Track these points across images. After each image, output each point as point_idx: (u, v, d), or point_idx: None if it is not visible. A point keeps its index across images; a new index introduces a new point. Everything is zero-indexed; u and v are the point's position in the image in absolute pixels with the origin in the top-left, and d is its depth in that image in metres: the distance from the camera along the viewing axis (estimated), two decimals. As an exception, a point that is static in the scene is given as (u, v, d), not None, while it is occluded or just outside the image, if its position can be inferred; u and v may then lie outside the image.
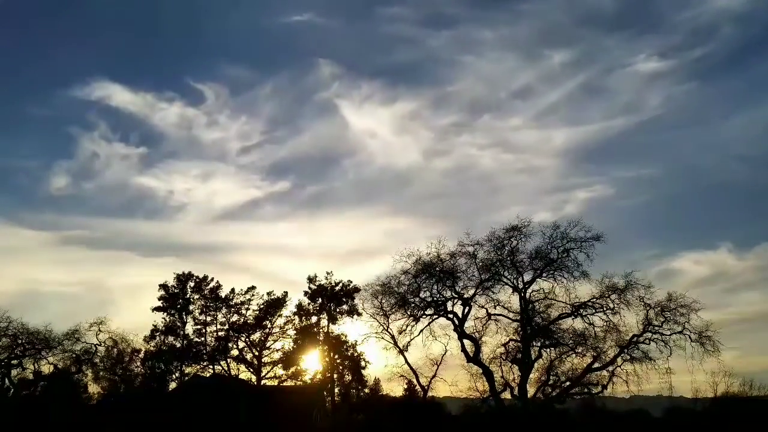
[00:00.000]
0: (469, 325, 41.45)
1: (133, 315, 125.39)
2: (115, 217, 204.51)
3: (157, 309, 65.19)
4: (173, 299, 65.44)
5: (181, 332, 64.77)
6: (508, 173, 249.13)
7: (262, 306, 64.82)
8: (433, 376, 44.21)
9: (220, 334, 64.43)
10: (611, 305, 38.71)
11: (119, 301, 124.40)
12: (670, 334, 37.56)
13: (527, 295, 40.74)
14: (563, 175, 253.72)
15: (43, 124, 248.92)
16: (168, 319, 65.02)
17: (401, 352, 43.58)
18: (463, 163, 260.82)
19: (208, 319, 65.34)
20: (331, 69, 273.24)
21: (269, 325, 64.67)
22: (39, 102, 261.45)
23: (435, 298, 42.56)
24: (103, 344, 56.04)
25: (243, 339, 64.22)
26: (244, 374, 63.39)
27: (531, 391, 39.53)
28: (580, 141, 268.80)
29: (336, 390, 64.93)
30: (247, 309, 64.95)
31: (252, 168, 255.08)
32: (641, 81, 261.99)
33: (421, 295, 42.67)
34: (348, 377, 65.04)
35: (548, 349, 39.88)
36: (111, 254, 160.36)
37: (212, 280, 66.44)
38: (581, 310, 39.34)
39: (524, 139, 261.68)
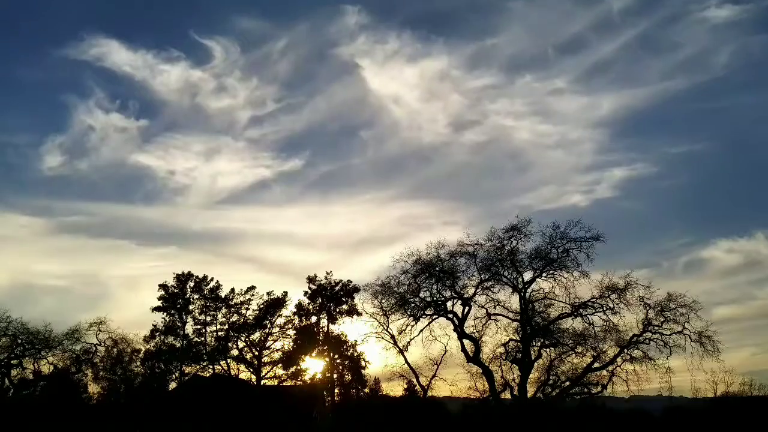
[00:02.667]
0: (469, 325, 41.53)
1: (131, 309, 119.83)
2: (112, 202, 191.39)
3: (156, 309, 65.33)
4: (173, 299, 65.51)
5: (181, 332, 64.85)
6: (542, 148, 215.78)
7: (261, 306, 64.91)
8: (433, 376, 44.20)
9: (219, 334, 64.52)
10: (611, 305, 38.78)
11: (116, 294, 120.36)
12: (669, 334, 37.60)
13: (527, 294, 40.79)
14: (603, 149, 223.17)
15: (33, 91, 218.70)
16: (168, 319, 65.13)
17: (401, 352, 43.61)
18: (495, 136, 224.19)
19: (208, 319, 65.44)
20: (357, 18, 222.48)
21: (269, 325, 64.74)
22: (29, 63, 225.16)
23: (435, 298, 42.59)
24: (103, 344, 56.23)
25: (243, 339, 64.30)
26: (244, 374, 63.54)
27: (531, 391, 39.56)
28: (629, 107, 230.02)
29: (336, 390, 64.94)
30: (247, 309, 65.17)
31: (262, 143, 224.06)
32: (709, 32, 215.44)
33: (421, 295, 42.73)
34: (348, 377, 65.03)
35: (548, 349, 39.91)
36: (107, 243, 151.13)
37: (212, 280, 66.66)
38: (581, 310, 39.36)
39: (566, 106, 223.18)
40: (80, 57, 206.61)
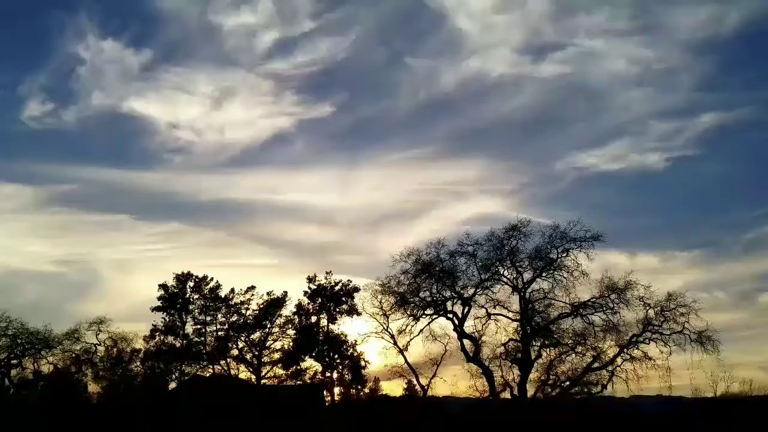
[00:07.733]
0: (468, 325, 41.61)
1: (126, 300, 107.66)
2: (103, 165, 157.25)
3: (156, 309, 65.36)
4: (173, 299, 65.56)
5: (181, 332, 64.87)
6: (624, 83, 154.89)
7: (261, 306, 64.96)
8: (433, 376, 44.32)
9: (219, 333, 64.53)
10: (611, 305, 38.79)
11: (109, 281, 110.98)
12: (669, 334, 37.66)
13: (527, 294, 40.80)
14: (702, 84, 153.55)
15: (5, 3, 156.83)
16: (167, 319, 65.15)
17: (401, 351, 43.71)
18: (577, 68, 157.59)
19: (208, 318, 65.44)
20: None
21: (269, 325, 64.76)
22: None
23: (435, 298, 42.64)
24: (102, 344, 56.30)
25: (243, 339, 64.31)
26: (244, 374, 63.50)
27: (531, 390, 39.62)
28: (764, 20, 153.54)
29: (336, 390, 65.08)
30: (247, 309, 65.11)
31: (287, 80, 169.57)
32: None
33: (421, 294, 42.79)
34: (348, 377, 65.06)
35: (548, 349, 39.97)
36: (99, 218, 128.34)
37: (212, 279, 66.69)
38: (581, 310, 39.38)
39: (680, 18, 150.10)
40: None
